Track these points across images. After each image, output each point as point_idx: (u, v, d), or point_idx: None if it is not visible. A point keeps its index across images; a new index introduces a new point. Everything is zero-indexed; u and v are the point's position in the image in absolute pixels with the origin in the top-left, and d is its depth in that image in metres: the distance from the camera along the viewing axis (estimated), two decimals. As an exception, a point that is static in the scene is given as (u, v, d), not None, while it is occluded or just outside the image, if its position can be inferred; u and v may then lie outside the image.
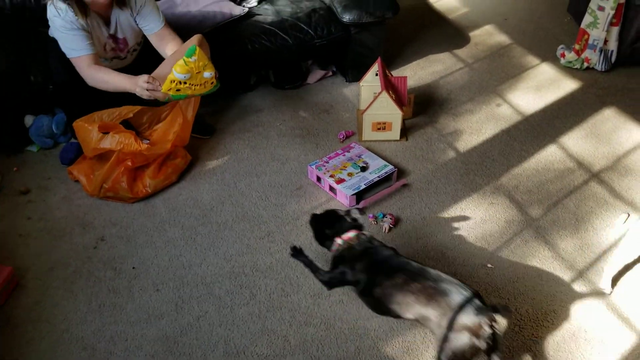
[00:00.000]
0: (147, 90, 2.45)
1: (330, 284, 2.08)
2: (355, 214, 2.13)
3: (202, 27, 3.06)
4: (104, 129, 2.63)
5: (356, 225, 2.10)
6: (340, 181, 2.65)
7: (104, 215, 2.59)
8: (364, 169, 2.72)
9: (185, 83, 2.40)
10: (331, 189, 2.67)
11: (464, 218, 2.55)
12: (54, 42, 2.65)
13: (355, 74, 3.40)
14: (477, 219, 2.54)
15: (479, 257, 2.36)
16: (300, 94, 3.40)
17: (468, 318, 1.71)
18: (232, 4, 3.24)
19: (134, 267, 2.35)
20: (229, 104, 3.30)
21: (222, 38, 3.10)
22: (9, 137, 2.92)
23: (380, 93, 2.84)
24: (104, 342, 2.06)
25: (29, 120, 2.93)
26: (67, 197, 2.68)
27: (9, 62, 2.71)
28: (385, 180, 2.71)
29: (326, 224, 2.14)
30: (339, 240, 2.07)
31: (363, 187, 2.63)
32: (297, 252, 2.16)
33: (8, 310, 2.18)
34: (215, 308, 2.18)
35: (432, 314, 1.78)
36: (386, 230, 2.47)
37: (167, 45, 2.72)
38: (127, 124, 2.78)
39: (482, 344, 1.72)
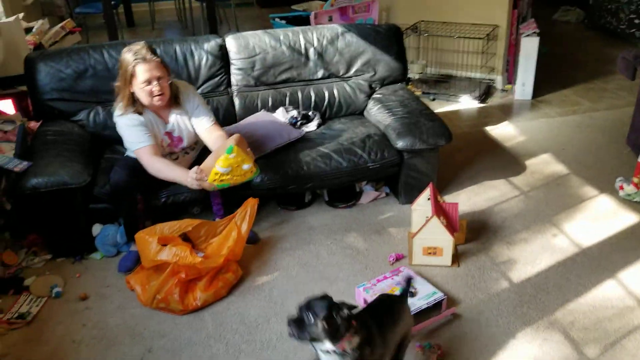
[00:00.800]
0: (196, 180, 2.76)
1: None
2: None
3: (262, 148, 3.26)
4: (163, 242, 2.77)
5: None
6: (387, 306, 2.62)
7: (153, 326, 2.65)
8: (412, 294, 2.69)
9: (227, 175, 2.72)
10: (378, 313, 2.65)
11: (517, 354, 2.44)
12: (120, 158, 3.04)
13: (408, 197, 3.46)
14: (530, 356, 2.42)
15: (531, 399, 2.23)
16: (353, 214, 3.48)
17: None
18: (291, 127, 3.45)
19: (175, 383, 2.36)
20: (283, 220, 3.41)
21: (279, 159, 3.29)
22: (77, 244, 3.11)
23: (430, 218, 2.87)
24: None
25: (96, 229, 3.13)
26: (122, 305, 2.78)
27: (86, 175, 2.95)
28: (434, 307, 2.67)
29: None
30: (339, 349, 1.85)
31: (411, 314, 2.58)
32: None
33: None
34: None
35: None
36: (433, 362, 2.39)
37: (216, 139, 3.04)
38: (185, 237, 2.92)
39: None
